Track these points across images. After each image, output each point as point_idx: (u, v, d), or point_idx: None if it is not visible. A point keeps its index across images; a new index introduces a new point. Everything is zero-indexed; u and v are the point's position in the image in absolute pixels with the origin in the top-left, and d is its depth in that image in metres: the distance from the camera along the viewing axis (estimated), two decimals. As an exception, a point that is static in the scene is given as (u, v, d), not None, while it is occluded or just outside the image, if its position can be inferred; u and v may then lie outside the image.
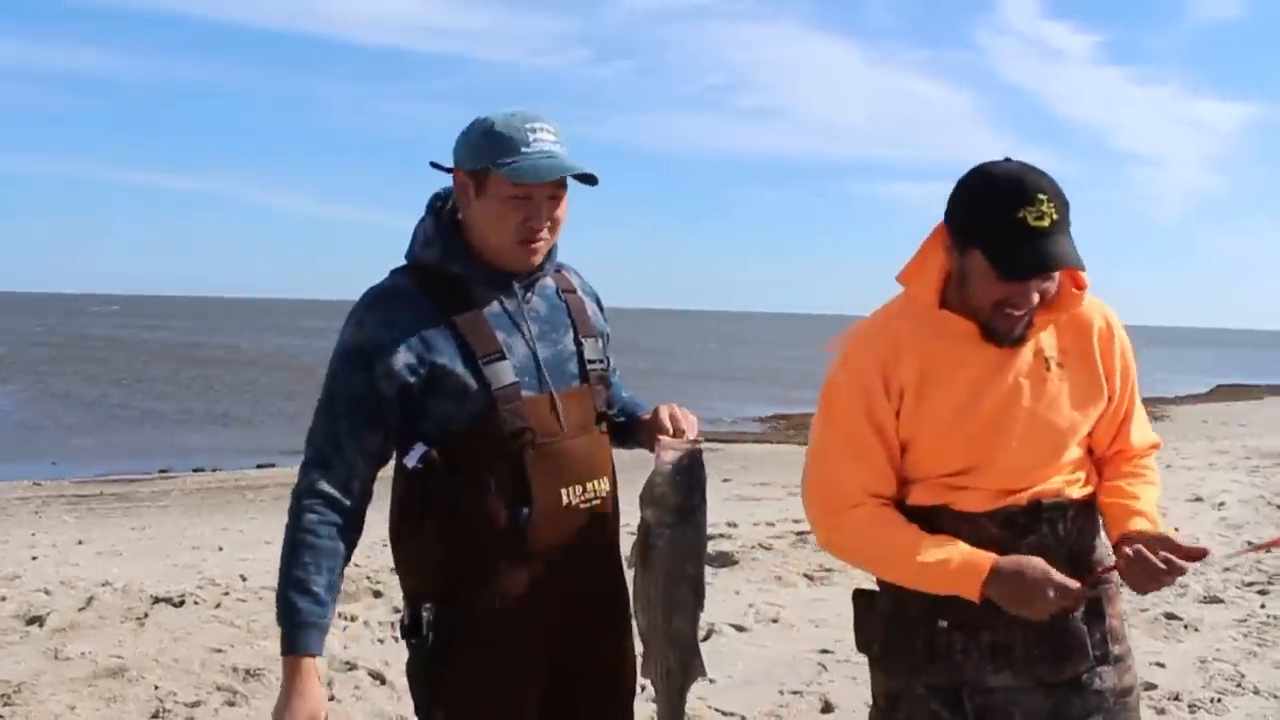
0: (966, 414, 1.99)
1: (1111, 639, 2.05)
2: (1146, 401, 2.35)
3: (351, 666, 4.58)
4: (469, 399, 1.90)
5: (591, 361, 2.06)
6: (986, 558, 1.92)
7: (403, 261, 2.02)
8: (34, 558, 7.45)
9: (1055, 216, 1.88)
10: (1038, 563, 1.89)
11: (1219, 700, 4.32)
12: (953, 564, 1.91)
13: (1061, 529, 2.03)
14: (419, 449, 1.91)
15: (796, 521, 8.13)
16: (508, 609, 1.92)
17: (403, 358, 1.87)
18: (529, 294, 2.01)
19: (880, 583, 2.12)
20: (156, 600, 5.64)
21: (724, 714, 4.15)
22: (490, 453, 1.90)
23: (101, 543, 8.20)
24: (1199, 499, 9.21)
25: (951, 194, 1.98)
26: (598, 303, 2.19)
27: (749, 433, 20.62)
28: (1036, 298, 1.93)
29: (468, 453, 1.90)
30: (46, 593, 5.95)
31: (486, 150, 1.88)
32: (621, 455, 2.15)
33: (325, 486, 1.88)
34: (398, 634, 2.09)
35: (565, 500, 1.95)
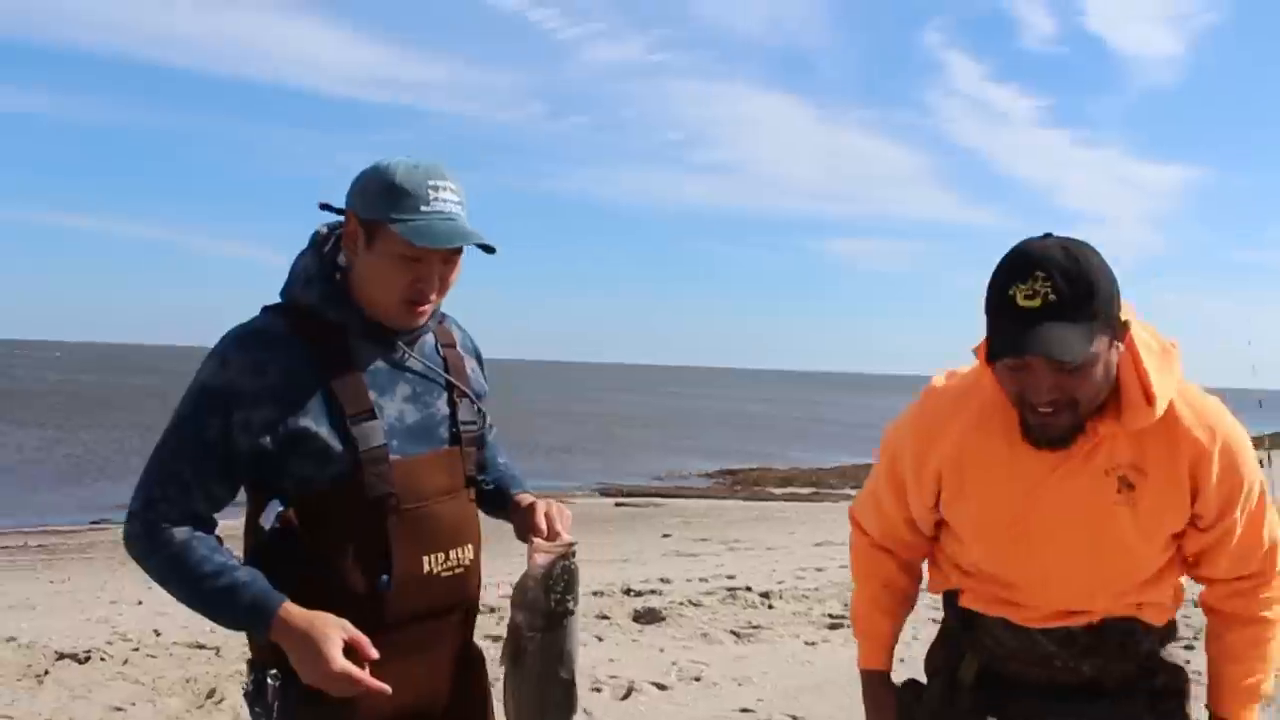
0: (1001, 519, 1.86)
1: None
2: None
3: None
4: (332, 461, 1.79)
5: (465, 423, 1.97)
6: None
7: (278, 299, 1.91)
8: (-59, 612, 7.19)
9: (1052, 297, 1.64)
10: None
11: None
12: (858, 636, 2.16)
13: (1132, 649, 1.93)
14: (275, 508, 1.81)
15: (730, 578, 8.10)
16: None
17: (263, 413, 1.76)
18: (409, 351, 1.92)
19: (929, 673, 2.11)
20: (61, 656, 5.43)
21: (636, 775, 4.05)
22: (351, 517, 1.80)
23: (14, 596, 7.95)
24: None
25: None
26: (478, 359, 2.12)
27: (693, 488, 20.54)
28: (1051, 392, 1.69)
29: (327, 515, 1.80)
30: (-53, 650, 5.73)
31: (385, 202, 1.77)
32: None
33: (167, 521, 1.77)
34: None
35: (427, 568, 1.86)
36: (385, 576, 1.82)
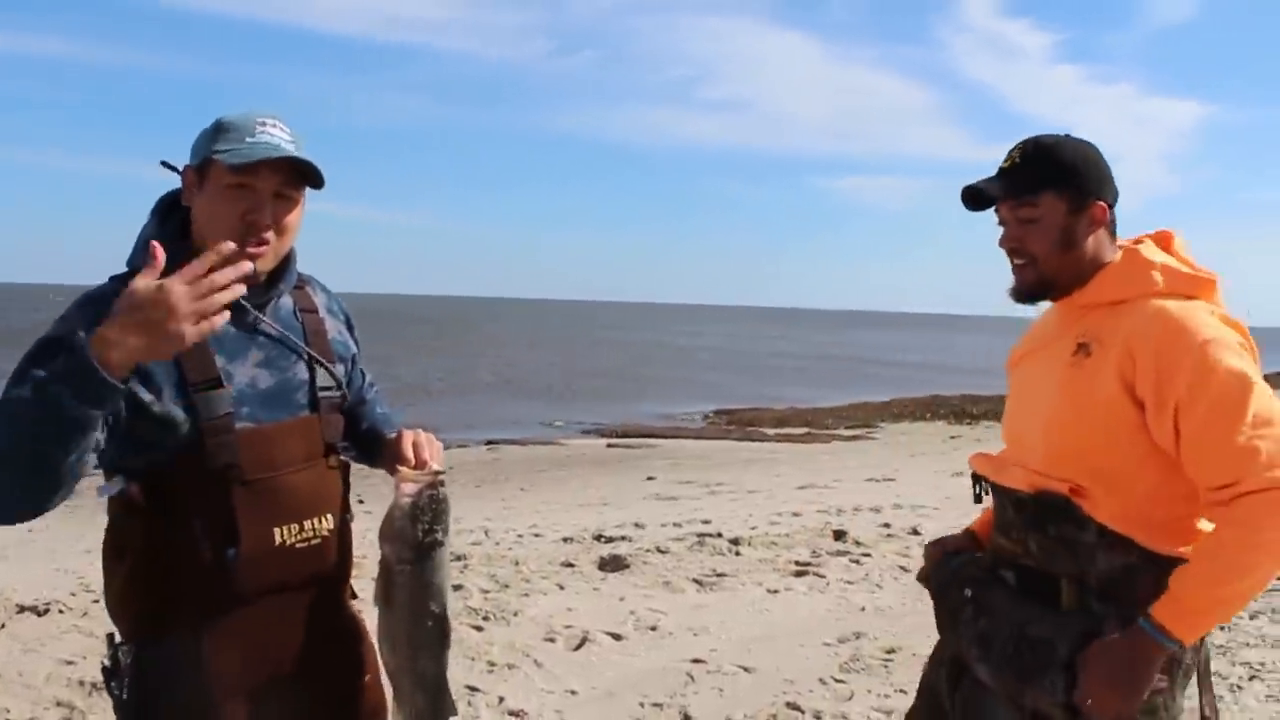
0: (1011, 371, 2.19)
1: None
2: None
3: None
4: (174, 430, 1.73)
5: (324, 389, 1.91)
6: None
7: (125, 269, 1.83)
8: (-87, 563, 7.21)
9: (1018, 160, 2.00)
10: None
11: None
12: None
13: (1076, 544, 1.92)
14: (118, 482, 1.75)
15: (705, 523, 8.08)
16: (214, 654, 1.78)
17: None
18: (260, 314, 1.86)
19: None
20: (21, 609, 5.44)
21: (575, 728, 4.05)
22: (195, 489, 1.75)
23: (-11, 546, 7.95)
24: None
25: None
26: (348, 322, 2.06)
27: (688, 428, 20.55)
28: (1010, 241, 2.01)
29: (171, 489, 1.75)
30: (-90, 603, 5.75)
31: (212, 140, 1.77)
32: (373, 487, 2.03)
33: None
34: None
35: (279, 539, 1.81)
36: (233, 550, 1.77)
